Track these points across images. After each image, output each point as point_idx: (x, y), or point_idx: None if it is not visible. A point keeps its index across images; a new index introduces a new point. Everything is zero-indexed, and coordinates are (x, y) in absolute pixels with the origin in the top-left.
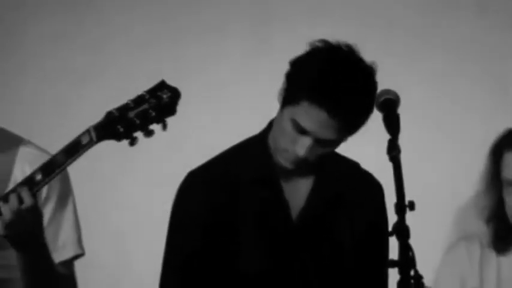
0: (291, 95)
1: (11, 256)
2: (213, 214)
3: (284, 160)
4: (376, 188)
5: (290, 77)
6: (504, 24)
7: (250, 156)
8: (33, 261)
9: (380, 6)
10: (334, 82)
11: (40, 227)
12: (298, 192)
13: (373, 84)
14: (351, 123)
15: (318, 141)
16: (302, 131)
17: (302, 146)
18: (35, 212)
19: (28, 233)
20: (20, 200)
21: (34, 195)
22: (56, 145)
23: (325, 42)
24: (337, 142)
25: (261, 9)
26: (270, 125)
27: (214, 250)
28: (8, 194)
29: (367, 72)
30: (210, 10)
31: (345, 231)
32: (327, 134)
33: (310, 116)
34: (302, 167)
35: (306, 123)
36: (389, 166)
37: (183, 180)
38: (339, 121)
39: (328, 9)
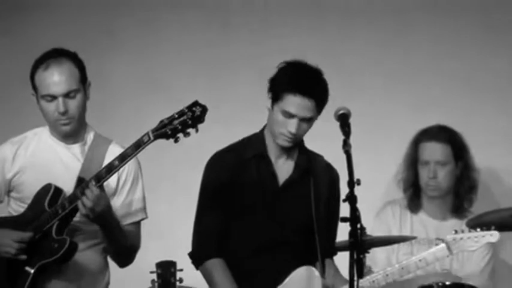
0: (276, 95)
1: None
2: (228, 178)
3: (282, 141)
4: (333, 171)
5: (273, 83)
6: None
7: (252, 143)
8: (108, 227)
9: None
10: (301, 77)
11: (108, 207)
12: (284, 170)
13: (323, 77)
14: (318, 101)
15: (301, 120)
16: (290, 116)
17: (292, 126)
18: (104, 198)
19: (102, 212)
20: (93, 192)
21: (101, 186)
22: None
23: (287, 61)
24: (313, 119)
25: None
26: (265, 125)
27: (228, 200)
28: (84, 189)
29: (318, 70)
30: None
31: (312, 195)
32: (306, 113)
33: (293, 103)
34: (293, 143)
35: (292, 109)
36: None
37: (210, 157)
38: (311, 101)
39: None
